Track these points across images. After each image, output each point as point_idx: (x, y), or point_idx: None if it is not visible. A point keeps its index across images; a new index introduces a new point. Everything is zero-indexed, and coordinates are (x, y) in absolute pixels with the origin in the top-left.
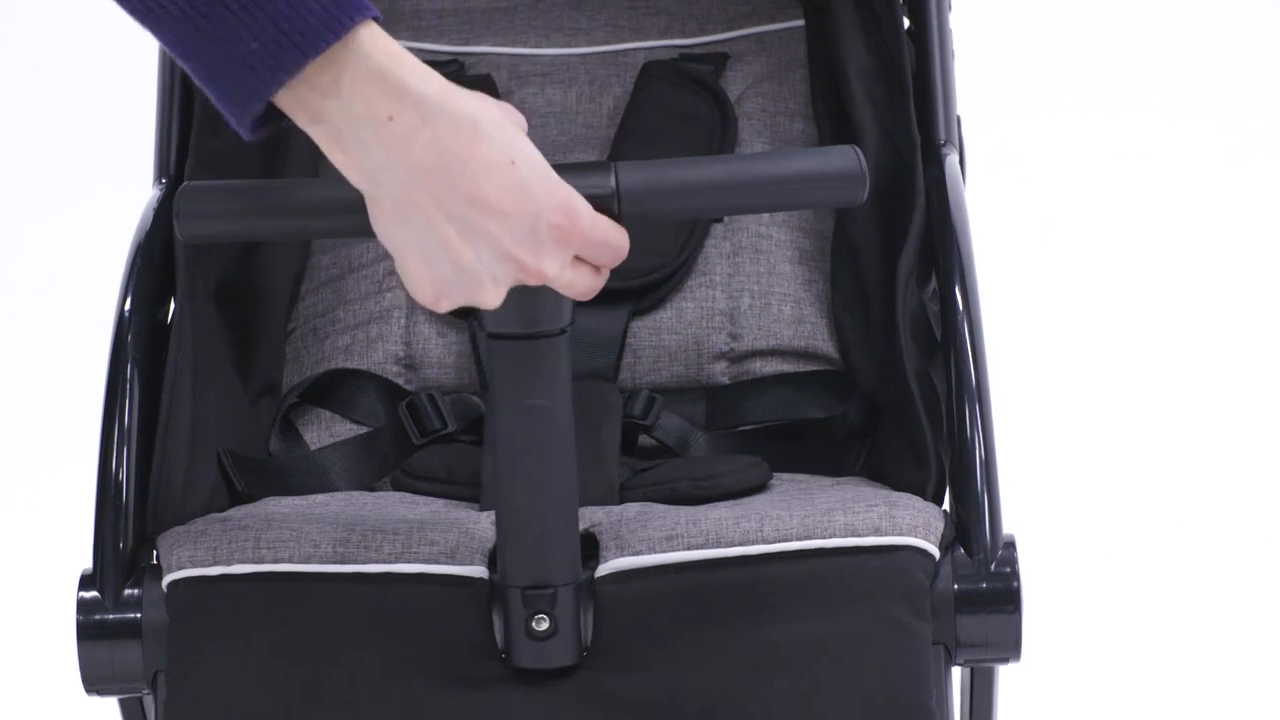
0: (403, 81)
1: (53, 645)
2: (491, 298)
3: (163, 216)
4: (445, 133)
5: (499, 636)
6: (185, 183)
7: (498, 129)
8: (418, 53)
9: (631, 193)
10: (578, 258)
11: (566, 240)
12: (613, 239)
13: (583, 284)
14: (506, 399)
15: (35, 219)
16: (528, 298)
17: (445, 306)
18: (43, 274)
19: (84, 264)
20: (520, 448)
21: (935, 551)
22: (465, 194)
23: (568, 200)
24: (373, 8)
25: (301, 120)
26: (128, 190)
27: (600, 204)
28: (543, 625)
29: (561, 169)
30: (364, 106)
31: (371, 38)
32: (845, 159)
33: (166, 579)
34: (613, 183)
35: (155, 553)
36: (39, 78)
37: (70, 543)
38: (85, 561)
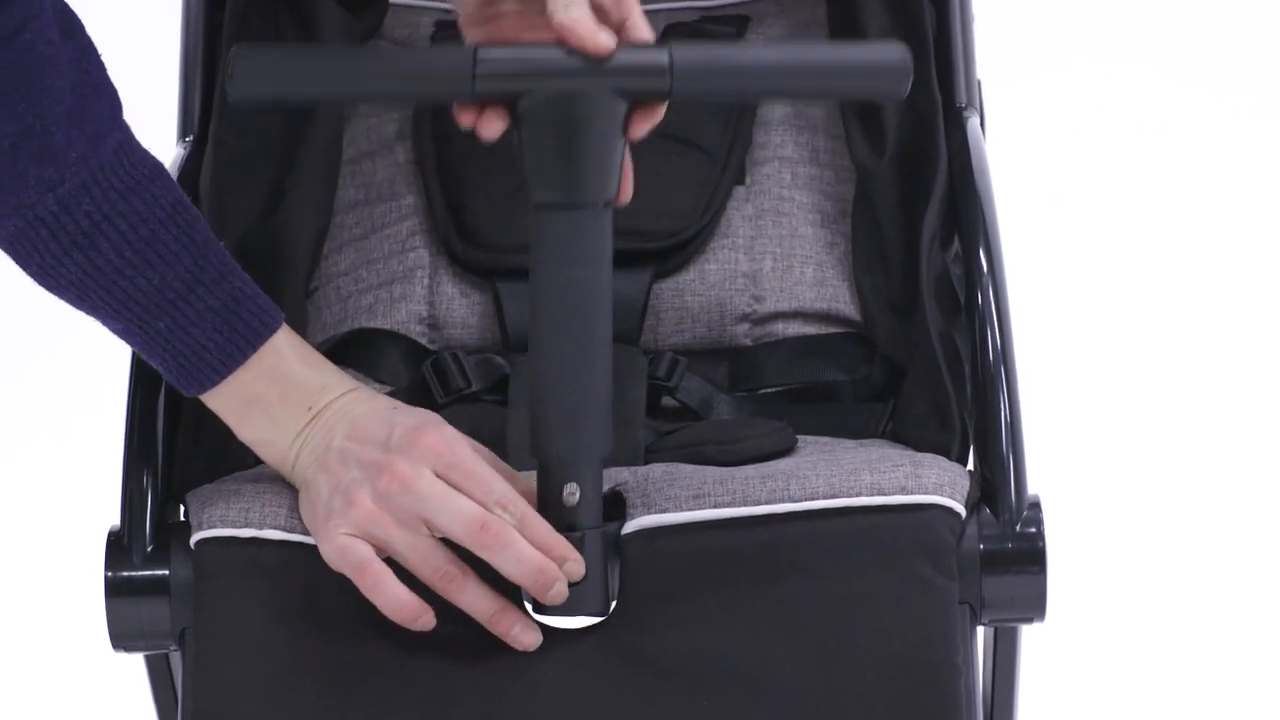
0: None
1: (79, 602)
2: (363, 502)
3: (188, 174)
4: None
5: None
6: (236, 45)
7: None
8: (438, 12)
9: (684, 69)
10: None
11: (415, 446)
12: (479, 472)
13: (461, 509)
14: (548, 269)
15: None
16: (571, 164)
17: (334, 530)
18: None
19: None
20: (561, 316)
21: (961, 510)
22: (345, 431)
23: (430, 421)
24: (260, 340)
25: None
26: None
27: (654, 80)
28: (574, 498)
29: (620, 51)
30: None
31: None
32: (892, 52)
33: (195, 536)
34: (667, 59)
35: (183, 509)
36: None
37: (98, 499)
38: (113, 517)
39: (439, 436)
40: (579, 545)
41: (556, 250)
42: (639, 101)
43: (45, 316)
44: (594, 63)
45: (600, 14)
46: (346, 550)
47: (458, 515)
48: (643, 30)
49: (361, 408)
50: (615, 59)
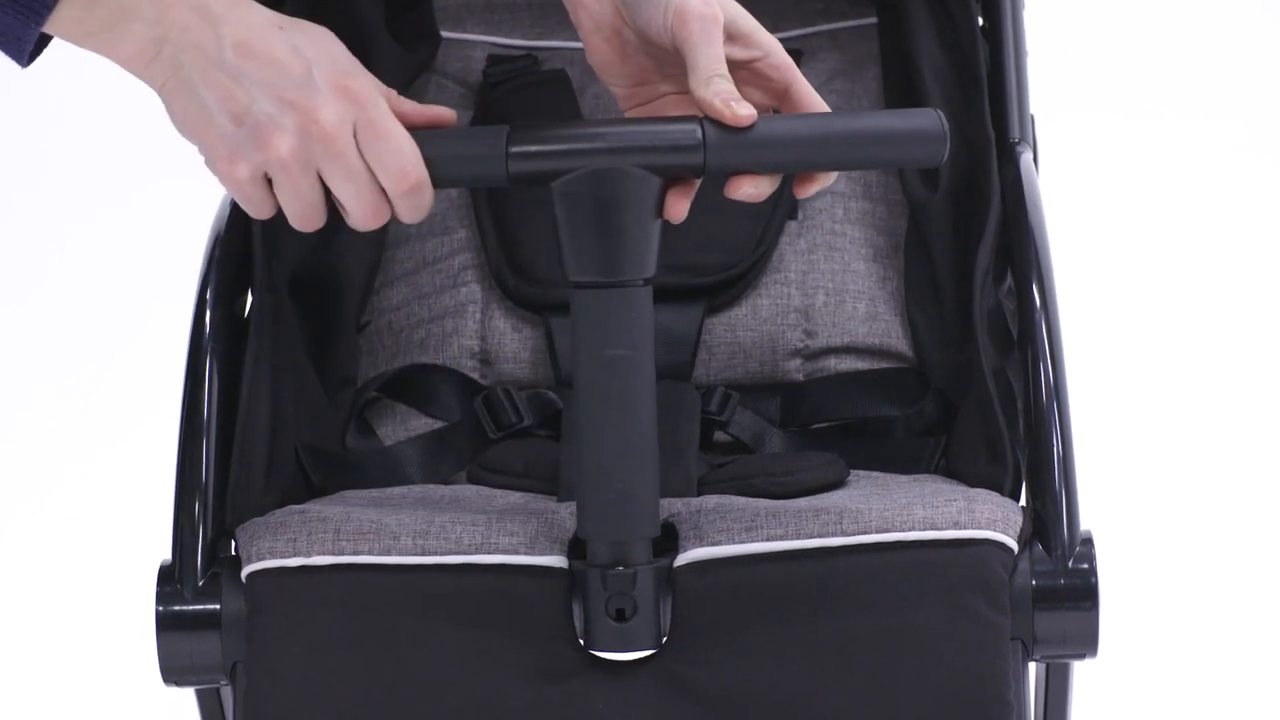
0: None
1: (130, 636)
2: (280, 146)
3: (239, 208)
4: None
5: (579, 625)
6: None
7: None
8: (491, 46)
9: (717, 144)
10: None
11: (344, 95)
12: (395, 140)
13: (364, 200)
14: (589, 349)
15: (102, 210)
16: (606, 243)
17: (243, 170)
18: (105, 264)
19: (147, 254)
20: (602, 397)
21: (1014, 545)
22: (231, 42)
23: (346, 62)
24: None
25: (77, 39)
26: (186, 185)
27: (687, 156)
28: (624, 607)
29: (649, 120)
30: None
31: None
32: (928, 119)
33: (246, 570)
34: (699, 134)
35: (234, 544)
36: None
37: (148, 534)
38: (164, 552)
39: (362, 86)
40: (631, 580)
41: (597, 330)
42: (674, 178)
43: (93, 350)
44: (625, 141)
45: (762, 81)
46: (250, 200)
47: (357, 202)
48: (808, 97)
49: (239, 12)
50: (646, 136)
